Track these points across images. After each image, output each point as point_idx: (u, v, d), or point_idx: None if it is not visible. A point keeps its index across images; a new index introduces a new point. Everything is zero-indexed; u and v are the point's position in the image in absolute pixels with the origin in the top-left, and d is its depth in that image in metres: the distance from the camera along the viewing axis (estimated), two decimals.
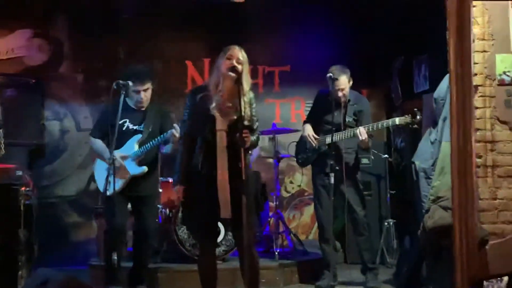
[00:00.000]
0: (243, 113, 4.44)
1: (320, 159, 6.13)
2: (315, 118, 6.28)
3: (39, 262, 6.26)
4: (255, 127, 4.69)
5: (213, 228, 4.77)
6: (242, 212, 4.28)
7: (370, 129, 5.88)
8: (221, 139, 4.51)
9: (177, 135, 5.46)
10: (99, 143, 5.77)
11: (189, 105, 4.73)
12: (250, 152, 4.69)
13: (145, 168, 5.69)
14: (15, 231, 5.32)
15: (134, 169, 5.68)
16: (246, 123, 4.51)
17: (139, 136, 5.70)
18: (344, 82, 5.96)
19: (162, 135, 5.64)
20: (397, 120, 5.81)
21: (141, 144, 5.68)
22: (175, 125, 5.53)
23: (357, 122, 6.05)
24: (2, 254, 5.15)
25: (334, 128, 5.90)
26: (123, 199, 5.62)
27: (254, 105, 4.70)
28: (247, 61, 4.61)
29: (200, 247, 4.92)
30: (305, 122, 6.38)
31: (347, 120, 6.00)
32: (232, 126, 4.45)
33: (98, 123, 5.90)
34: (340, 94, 5.97)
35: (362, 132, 5.80)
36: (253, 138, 4.59)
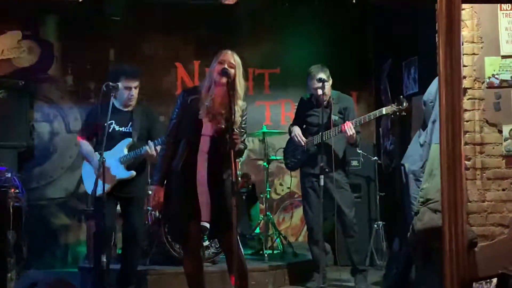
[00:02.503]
0: (236, 118, 4.42)
1: (308, 161, 6.14)
2: (301, 122, 6.31)
3: (28, 264, 6.26)
4: (242, 138, 4.63)
5: (193, 231, 4.69)
6: (225, 216, 4.29)
7: (358, 123, 5.90)
8: (204, 144, 4.49)
9: (150, 152, 5.46)
10: (86, 146, 5.75)
11: (179, 105, 4.69)
12: (238, 159, 4.65)
13: (133, 173, 5.68)
14: (4, 233, 5.30)
15: (123, 173, 5.67)
16: (235, 130, 4.43)
17: (129, 140, 5.69)
18: (325, 77, 5.99)
19: (140, 149, 5.63)
20: (384, 110, 5.82)
21: (130, 148, 5.68)
22: (149, 142, 5.53)
23: (344, 120, 6.07)
24: None
25: (320, 129, 5.92)
26: (111, 200, 5.61)
27: (245, 116, 4.66)
28: (240, 65, 4.57)
29: (183, 250, 4.89)
30: (290, 126, 6.40)
31: (333, 118, 6.01)
32: (219, 133, 4.42)
33: (85, 124, 5.90)
34: (319, 92, 5.99)
35: (349, 127, 5.82)
36: (241, 147, 4.58)
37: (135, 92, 5.73)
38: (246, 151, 5.07)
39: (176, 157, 4.60)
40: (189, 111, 4.57)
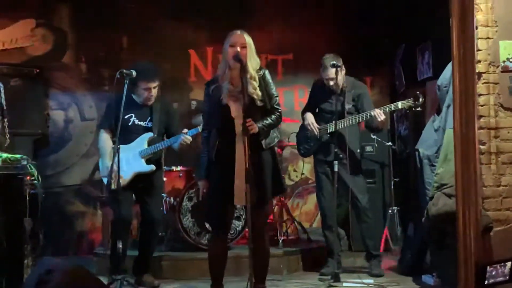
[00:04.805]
0: (256, 94, 4.52)
1: (321, 148, 6.14)
2: (313, 108, 6.31)
3: (45, 251, 6.30)
4: (273, 103, 4.69)
5: (227, 216, 4.79)
6: (259, 193, 4.38)
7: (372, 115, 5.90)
8: (238, 125, 4.52)
9: (188, 142, 5.53)
10: (104, 140, 5.80)
11: (205, 99, 4.79)
12: (263, 137, 4.66)
13: (153, 167, 5.75)
14: (21, 220, 5.33)
15: (142, 167, 5.72)
16: (259, 103, 4.56)
17: (150, 134, 5.76)
18: (332, 71, 5.97)
19: (171, 139, 5.72)
20: (400, 104, 5.82)
21: (150, 142, 5.72)
22: (186, 130, 5.58)
23: (358, 107, 6.06)
24: (7, 244, 5.17)
25: (333, 116, 5.92)
26: (128, 189, 5.66)
27: (269, 81, 4.70)
28: (251, 42, 4.61)
29: (213, 234, 4.95)
30: (303, 111, 6.39)
31: (346, 107, 6.00)
32: (246, 111, 4.44)
33: (106, 115, 5.96)
34: (331, 83, 6.00)
35: (379, 113, 5.81)
36: (268, 120, 4.62)
37: (154, 92, 5.78)
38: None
39: (210, 147, 4.67)
40: (214, 100, 4.64)
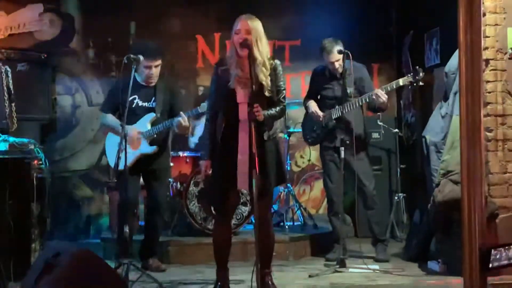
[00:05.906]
0: (265, 82, 4.49)
1: (327, 134, 6.14)
2: (315, 95, 6.30)
3: (52, 235, 6.35)
4: (280, 96, 4.67)
5: (229, 200, 4.79)
6: (261, 184, 4.32)
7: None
8: (242, 111, 4.52)
9: (184, 123, 5.50)
10: (110, 117, 5.82)
11: (213, 79, 4.78)
12: (267, 127, 4.65)
13: (155, 148, 5.74)
14: (28, 204, 5.37)
15: (146, 148, 5.73)
16: (266, 93, 4.53)
17: (152, 115, 5.74)
18: (337, 54, 5.96)
19: (171, 120, 5.68)
20: (401, 81, 5.80)
21: (153, 123, 5.72)
22: (181, 113, 5.56)
23: (359, 90, 6.05)
24: (15, 228, 5.21)
25: (336, 102, 5.93)
26: (135, 173, 5.68)
27: (280, 74, 4.67)
28: (258, 27, 4.55)
29: (216, 218, 4.96)
30: (305, 100, 6.39)
31: (348, 91, 5.98)
32: (253, 98, 4.41)
33: (108, 99, 5.96)
34: (337, 65, 6.00)
35: (381, 94, 5.79)
36: (273, 111, 4.61)
37: (155, 70, 5.75)
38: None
39: (217, 129, 4.66)
40: (222, 82, 4.62)
